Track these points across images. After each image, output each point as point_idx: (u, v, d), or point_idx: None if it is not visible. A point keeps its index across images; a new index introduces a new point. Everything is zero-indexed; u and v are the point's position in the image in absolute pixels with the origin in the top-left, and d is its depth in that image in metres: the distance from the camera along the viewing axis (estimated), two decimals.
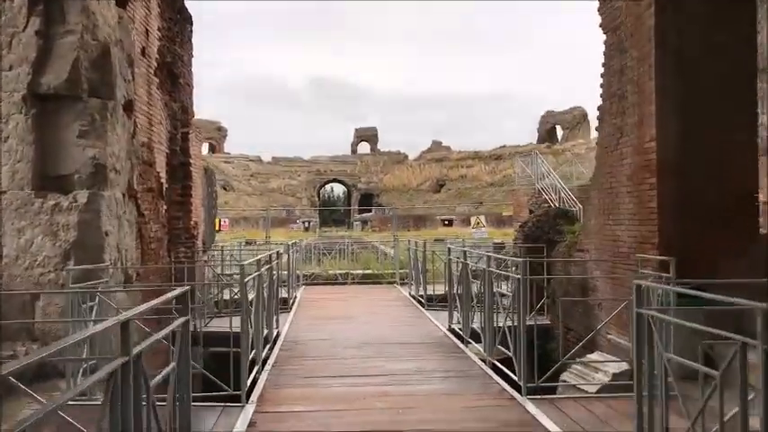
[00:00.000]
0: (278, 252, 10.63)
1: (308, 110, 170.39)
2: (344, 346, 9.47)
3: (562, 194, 19.48)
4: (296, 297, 14.81)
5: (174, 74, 11.89)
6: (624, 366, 7.55)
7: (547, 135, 57.91)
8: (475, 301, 9.61)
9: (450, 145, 61.48)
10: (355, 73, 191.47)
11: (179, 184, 12.19)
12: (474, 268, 10.06)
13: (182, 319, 4.37)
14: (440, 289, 13.82)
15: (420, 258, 14.15)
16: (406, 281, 17.35)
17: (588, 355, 8.65)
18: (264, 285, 8.91)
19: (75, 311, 6.76)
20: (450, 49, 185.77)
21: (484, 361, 8.31)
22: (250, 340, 7.45)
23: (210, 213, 13.65)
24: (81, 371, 6.60)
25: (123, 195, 8.43)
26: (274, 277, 10.03)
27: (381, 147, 62.46)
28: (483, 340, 8.63)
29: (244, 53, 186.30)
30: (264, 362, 8.33)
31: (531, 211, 20.85)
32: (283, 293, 13.36)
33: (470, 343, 9.27)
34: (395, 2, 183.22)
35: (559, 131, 59.09)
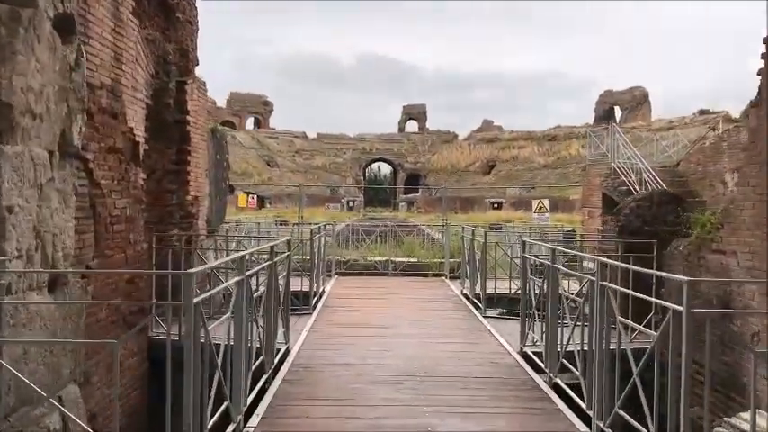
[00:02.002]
0: (288, 240, 7.66)
1: (356, 88, 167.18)
2: (375, 379, 6.45)
3: (645, 176, 15.99)
4: (324, 292, 11.87)
5: (167, 5, 8.96)
6: None
7: (605, 115, 53.56)
8: (563, 316, 6.49)
9: (501, 125, 57.67)
10: (404, 51, 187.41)
11: (173, 147, 9.29)
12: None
13: None
14: (499, 287, 10.69)
15: (478, 250, 10.99)
16: (455, 274, 14.26)
17: (740, 415, 5.47)
18: (265, 286, 5.97)
19: None
20: (500, 28, 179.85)
21: (588, 422, 5.20)
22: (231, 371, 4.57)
23: (220, 187, 10.80)
24: None
25: (50, 154, 5.53)
26: (282, 274, 7.08)
27: (429, 126, 59.05)
28: (588, 390, 5.47)
29: (293, 31, 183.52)
30: (254, 406, 5.41)
31: (604, 195, 17.46)
32: (305, 284, 10.43)
33: (564, 389, 6.10)
34: None
35: (617, 113, 54.69)
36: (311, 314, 9.82)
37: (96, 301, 6.19)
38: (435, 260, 15.65)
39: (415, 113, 59.13)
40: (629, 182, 16.40)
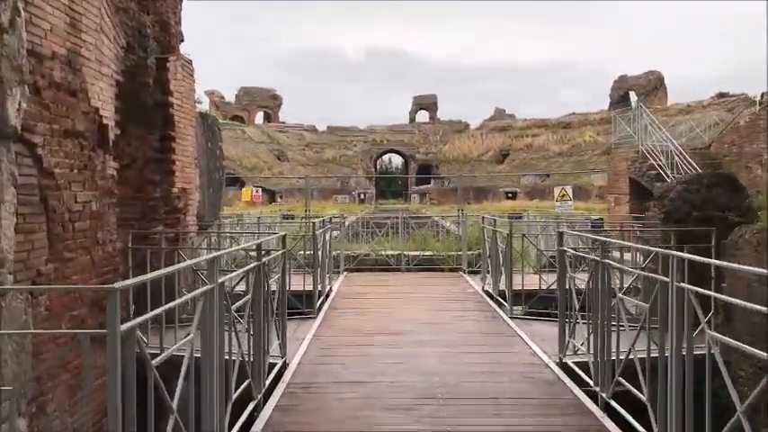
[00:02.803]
0: (283, 236, 6.45)
1: (366, 81, 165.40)
2: (389, 403, 5.24)
3: (677, 159, 14.68)
4: (331, 291, 10.68)
5: None
6: None
7: (620, 101, 51.87)
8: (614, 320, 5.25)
9: (513, 113, 56.16)
10: (413, 43, 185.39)
11: (155, 133, 8.12)
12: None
13: None
14: (526, 282, 9.44)
15: (502, 243, 9.72)
16: (474, 268, 13.03)
17: None
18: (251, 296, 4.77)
19: None
20: (506, 18, 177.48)
21: None
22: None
23: (213, 178, 9.63)
24: None
25: None
26: (272, 279, 5.87)
27: (440, 116, 57.61)
28: (660, 417, 4.23)
29: (301, 26, 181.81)
30: None
31: (631, 180, 16.14)
32: (310, 283, 9.24)
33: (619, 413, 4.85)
34: None
35: (633, 98, 52.98)
36: (315, 317, 8.64)
37: None
38: (451, 253, 14.40)
39: (425, 104, 57.74)
40: (659, 165, 15.11)
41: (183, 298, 3.98)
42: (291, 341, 7.14)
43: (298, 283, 9.31)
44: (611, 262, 5.17)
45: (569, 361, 6.19)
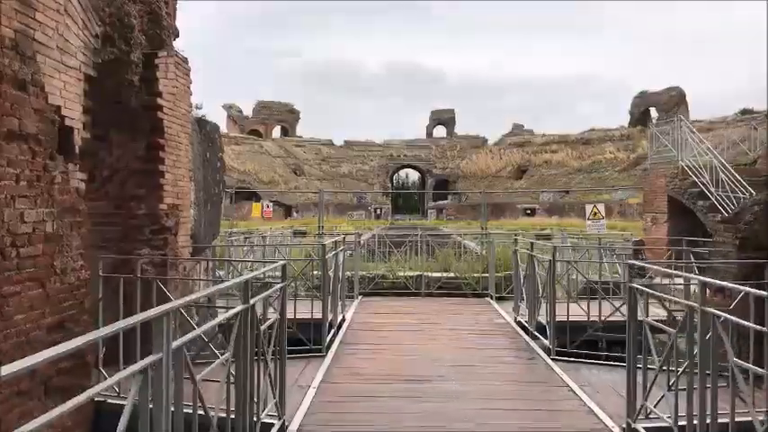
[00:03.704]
0: (284, 266, 5.13)
1: (383, 96, 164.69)
2: None
3: (722, 176, 13.23)
4: (344, 320, 9.36)
5: None
6: None
7: (641, 117, 50.33)
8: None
9: (532, 129, 54.76)
10: (430, 58, 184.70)
11: (141, 140, 6.89)
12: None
13: None
14: (563, 314, 8.05)
15: (542, 270, 8.35)
16: (503, 293, 11.65)
17: None
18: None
19: None
20: (524, 32, 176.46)
21: None
22: None
23: (211, 192, 8.39)
24: None
25: None
26: (266, 329, 4.55)
27: (458, 131, 56.30)
28: None
29: (318, 41, 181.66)
30: None
31: (670, 199, 14.70)
32: (319, 310, 7.91)
33: None
34: None
35: (653, 114, 51.36)
36: (325, 355, 7.31)
37: None
38: (475, 275, 13.03)
39: (443, 118, 56.52)
40: (701, 183, 13.66)
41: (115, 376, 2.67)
42: (293, 390, 5.83)
43: (305, 310, 8.00)
44: (717, 312, 3.78)
45: (641, 427, 4.81)
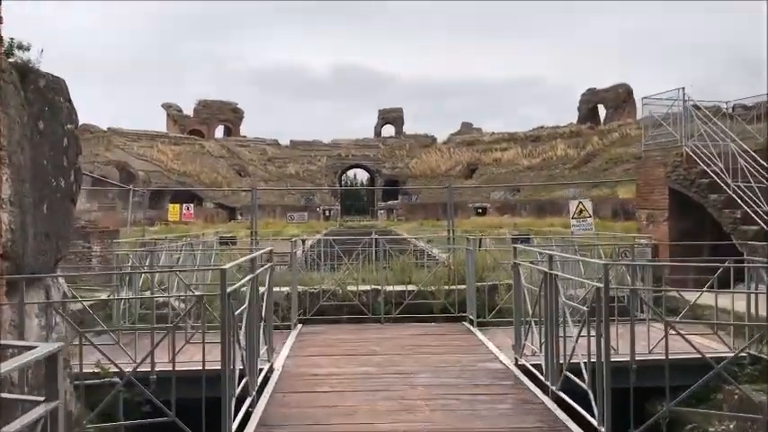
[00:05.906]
0: None
1: (333, 98, 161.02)
2: None
3: (741, 162, 10.54)
4: (270, 373, 6.09)
5: None
6: None
7: (589, 114, 48.59)
8: None
9: (481, 127, 52.42)
10: (379, 60, 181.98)
11: None
12: None
13: None
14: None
15: (540, 285, 5.26)
16: (487, 318, 8.61)
17: None
18: None
19: None
20: (470, 35, 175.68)
21: None
22: None
23: (52, 186, 5.03)
24: None
25: None
26: None
27: (406, 131, 53.48)
28: None
29: (267, 43, 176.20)
30: None
31: (672, 192, 11.91)
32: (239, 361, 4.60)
33: None
34: None
35: (602, 111, 49.74)
36: None
37: None
38: (443, 287, 9.93)
39: (391, 118, 53.64)
40: (713, 171, 10.92)
41: None
42: None
43: (208, 359, 4.67)
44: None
45: None
